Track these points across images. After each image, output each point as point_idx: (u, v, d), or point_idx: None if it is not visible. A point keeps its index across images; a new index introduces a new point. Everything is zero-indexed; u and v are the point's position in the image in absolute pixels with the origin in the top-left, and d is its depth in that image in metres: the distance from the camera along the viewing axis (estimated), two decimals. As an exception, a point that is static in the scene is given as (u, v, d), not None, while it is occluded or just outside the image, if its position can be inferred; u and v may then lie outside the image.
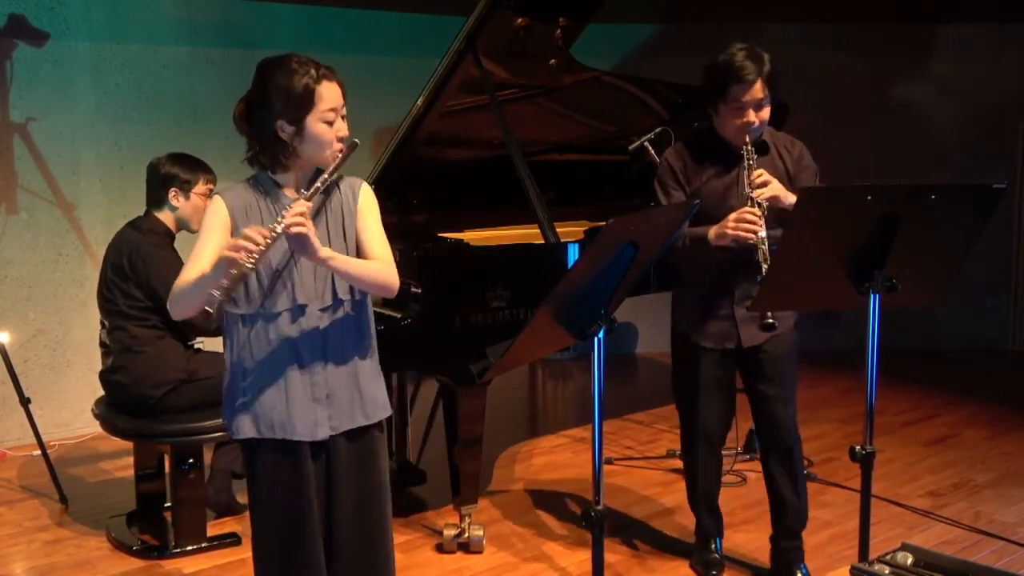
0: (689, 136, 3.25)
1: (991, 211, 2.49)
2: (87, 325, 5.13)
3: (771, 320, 2.88)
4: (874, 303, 2.49)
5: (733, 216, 2.88)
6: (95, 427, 4.05)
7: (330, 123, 2.29)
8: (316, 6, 5.88)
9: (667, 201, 3.14)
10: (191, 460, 3.60)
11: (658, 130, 4.41)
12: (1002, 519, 3.92)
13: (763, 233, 2.82)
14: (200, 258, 2.29)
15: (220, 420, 3.61)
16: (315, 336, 2.35)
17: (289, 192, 2.36)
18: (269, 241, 2.15)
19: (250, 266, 2.14)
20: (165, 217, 3.73)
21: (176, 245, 3.77)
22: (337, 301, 2.36)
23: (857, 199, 2.41)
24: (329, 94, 2.29)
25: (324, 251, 2.24)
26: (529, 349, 2.50)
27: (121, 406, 3.70)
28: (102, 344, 3.78)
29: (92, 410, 3.82)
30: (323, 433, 2.37)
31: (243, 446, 2.43)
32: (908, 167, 6.73)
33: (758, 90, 2.95)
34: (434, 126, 4.26)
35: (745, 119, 2.97)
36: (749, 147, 2.95)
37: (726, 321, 3.14)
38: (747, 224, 2.84)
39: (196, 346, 3.82)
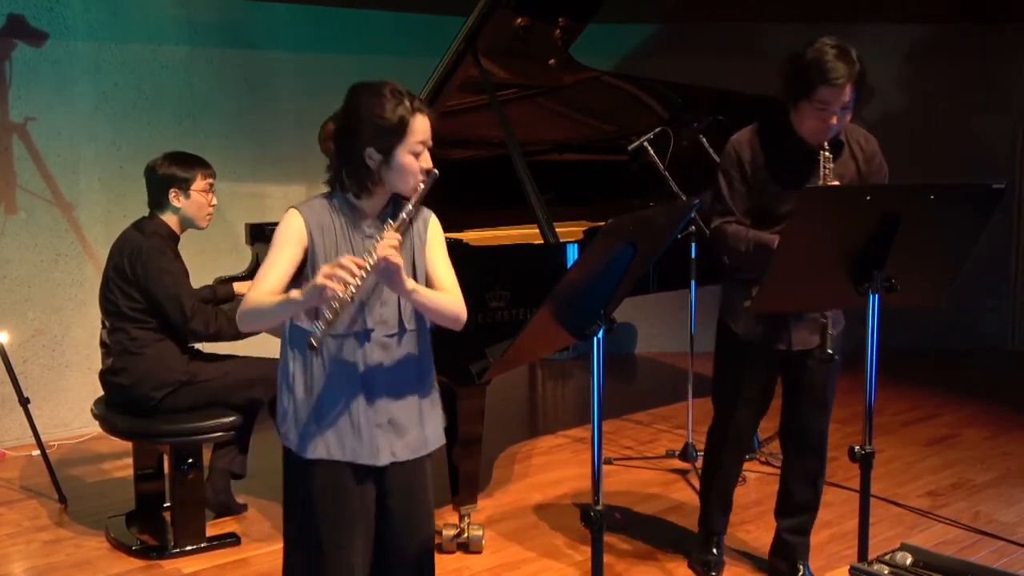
0: (762, 124, 3.07)
1: (990, 211, 2.48)
2: (86, 325, 5.13)
3: (832, 353, 2.82)
4: (873, 303, 2.49)
5: None
6: (94, 427, 4.05)
7: (417, 155, 2.30)
8: (316, 6, 5.88)
9: (729, 194, 3.01)
10: (190, 460, 3.60)
11: (657, 130, 4.41)
12: (1001, 519, 3.92)
13: None
14: (272, 272, 2.27)
15: (219, 420, 3.63)
16: (378, 362, 2.34)
17: (367, 218, 2.35)
18: (365, 274, 2.13)
19: (350, 298, 2.12)
20: (168, 219, 3.71)
21: (183, 245, 3.77)
22: (402, 328, 2.37)
23: (856, 199, 2.41)
24: (420, 127, 2.30)
25: (410, 283, 2.25)
26: (528, 349, 2.50)
27: (121, 406, 3.70)
28: (102, 344, 3.78)
29: (91, 410, 3.82)
30: (385, 459, 2.37)
31: (293, 460, 2.40)
32: (907, 167, 6.71)
33: (846, 94, 2.78)
34: (433, 126, 4.24)
35: (828, 122, 2.83)
36: (827, 153, 2.81)
37: (778, 322, 3.08)
38: None
39: (195, 348, 3.82)
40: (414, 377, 2.41)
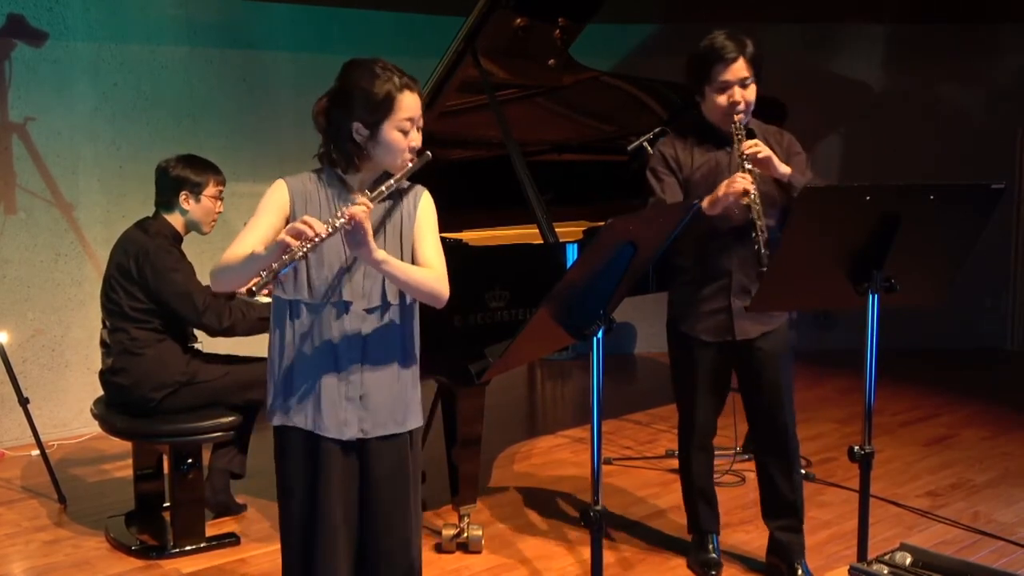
0: (679, 128, 3.27)
1: (990, 211, 2.49)
2: (86, 325, 5.13)
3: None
4: (872, 303, 2.49)
5: (725, 182, 2.92)
6: (94, 427, 4.04)
7: (405, 132, 2.31)
8: (315, 6, 5.88)
9: (659, 187, 3.15)
10: (189, 460, 3.60)
11: (657, 130, 4.39)
12: (1001, 519, 3.92)
13: (754, 192, 2.84)
14: (250, 235, 2.30)
15: (218, 420, 3.63)
16: (355, 335, 2.35)
17: (355, 194, 2.37)
18: (325, 233, 2.16)
19: (302, 253, 2.15)
20: (174, 220, 3.72)
21: (184, 248, 3.77)
22: (384, 303, 2.37)
23: (856, 199, 2.41)
24: (408, 103, 2.30)
25: (379, 253, 2.25)
26: (528, 349, 2.50)
27: (120, 406, 3.70)
28: (103, 343, 3.78)
29: (91, 410, 3.83)
30: (351, 433, 2.37)
31: (274, 431, 2.44)
32: (907, 167, 6.74)
33: (741, 68, 2.98)
34: (433, 126, 4.23)
35: (731, 98, 2.99)
36: (738, 124, 2.97)
37: (722, 314, 3.16)
38: (738, 184, 2.86)
39: (197, 347, 3.82)
40: (396, 353, 2.40)
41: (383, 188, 2.28)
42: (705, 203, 2.96)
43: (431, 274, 2.38)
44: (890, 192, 2.41)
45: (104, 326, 3.77)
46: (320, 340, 2.35)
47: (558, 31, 4.43)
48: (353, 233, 2.20)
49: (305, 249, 2.15)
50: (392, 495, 2.45)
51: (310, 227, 2.14)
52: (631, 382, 6.59)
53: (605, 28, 5.98)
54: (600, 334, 2.30)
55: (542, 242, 3.92)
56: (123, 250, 3.68)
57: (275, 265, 2.15)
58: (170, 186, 3.69)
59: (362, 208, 2.20)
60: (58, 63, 5.09)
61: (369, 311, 2.36)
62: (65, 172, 5.16)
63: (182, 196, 3.68)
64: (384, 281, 2.36)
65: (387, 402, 2.40)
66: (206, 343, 3.88)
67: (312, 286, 2.34)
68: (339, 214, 2.20)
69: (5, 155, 4.98)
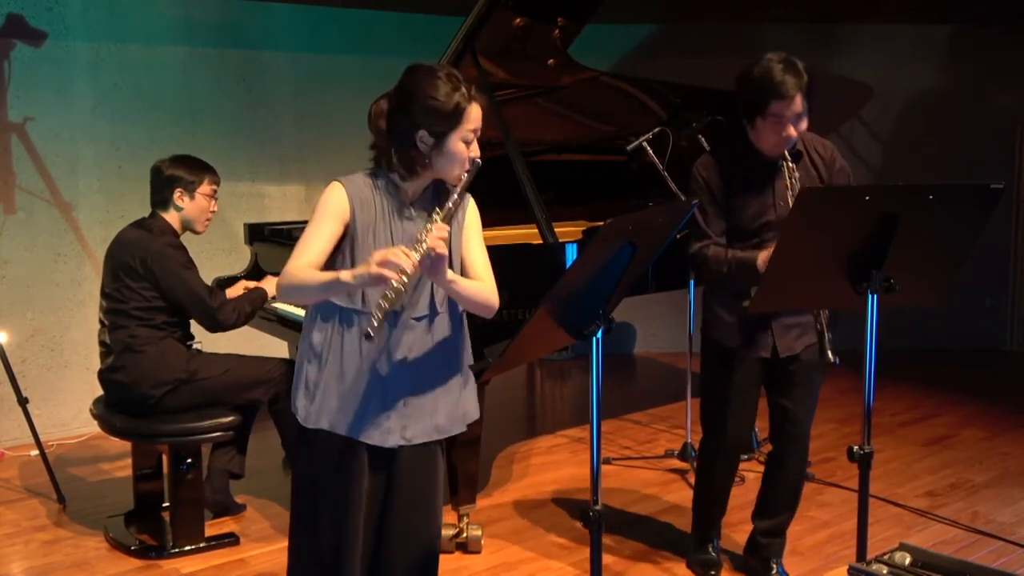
0: (720, 145, 3.16)
1: (989, 211, 2.48)
2: (85, 325, 5.13)
3: (834, 360, 2.92)
4: (872, 303, 2.49)
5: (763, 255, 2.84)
6: (93, 427, 4.04)
7: (468, 143, 2.31)
8: (314, 6, 5.88)
9: (703, 219, 3.06)
10: (189, 460, 3.60)
11: (656, 130, 4.41)
12: (1000, 519, 3.92)
13: None
14: (313, 245, 2.27)
15: (218, 420, 3.63)
16: (401, 344, 2.34)
17: (408, 201, 2.35)
18: (415, 265, 2.13)
19: (403, 288, 2.12)
20: (171, 218, 3.73)
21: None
22: (432, 312, 2.37)
23: (855, 199, 2.41)
24: (475, 115, 2.31)
25: (449, 273, 2.26)
26: (527, 349, 2.50)
27: (120, 405, 3.70)
28: (102, 343, 3.78)
29: (90, 410, 3.83)
30: (393, 441, 2.37)
31: (303, 432, 2.41)
32: (906, 167, 6.74)
33: (798, 104, 2.87)
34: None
35: (785, 133, 2.90)
36: (789, 164, 2.90)
37: (763, 329, 3.09)
38: None
39: (196, 347, 3.82)
40: (439, 361, 2.40)
41: (450, 206, 2.26)
42: (760, 260, 2.87)
43: (487, 287, 2.40)
44: (889, 192, 2.41)
45: (103, 325, 3.76)
46: (366, 347, 2.33)
47: (557, 31, 4.43)
48: (432, 260, 2.18)
49: (406, 280, 2.12)
50: (422, 500, 2.45)
51: (401, 262, 2.09)
52: (631, 382, 6.59)
53: (605, 28, 5.97)
54: (599, 334, 2.29)
55: (542, 242, 3.92)
56: (129, 251, 3.67)
57: (385, 304, 2.12)
58: (165, 184, 3.71)
59: (442, 235, 2.18)
60: (57, 63, 5.08)
61: (417, 319, 2.36)
62: (64, 172, 5.16)
63: (176, 193, 3.70)
64: (432, 290, 2.36)
65: (432, 410, 2.39)
66: (206, 340, 3.89)
67: (365, 296, 2.32)
68: (421, 240, 2.16)
69: (4, 155, 4.98)
